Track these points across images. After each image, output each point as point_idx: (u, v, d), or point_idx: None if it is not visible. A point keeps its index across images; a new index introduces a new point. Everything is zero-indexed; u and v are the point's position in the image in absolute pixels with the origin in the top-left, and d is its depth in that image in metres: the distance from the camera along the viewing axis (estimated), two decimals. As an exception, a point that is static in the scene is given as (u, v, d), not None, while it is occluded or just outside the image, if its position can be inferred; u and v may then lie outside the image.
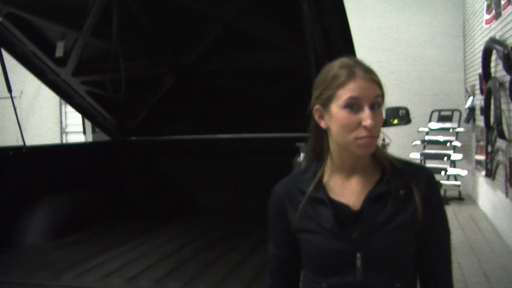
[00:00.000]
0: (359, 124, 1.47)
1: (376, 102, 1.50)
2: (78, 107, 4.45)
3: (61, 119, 11.39)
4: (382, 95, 1.53)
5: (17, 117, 3.67)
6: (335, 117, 1.51)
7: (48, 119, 11.30)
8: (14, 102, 12.24)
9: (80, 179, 4.09)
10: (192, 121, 4.46)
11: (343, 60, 1.56)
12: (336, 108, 1.51)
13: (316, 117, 1.59)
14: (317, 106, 1.57)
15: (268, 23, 3.19)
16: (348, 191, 1.57)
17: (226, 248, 3.26)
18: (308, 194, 1.58)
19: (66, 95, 4.26)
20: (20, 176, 3.57)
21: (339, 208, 1.55)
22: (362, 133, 1.47)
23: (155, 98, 4.17)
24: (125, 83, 3.96)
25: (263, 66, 3.60)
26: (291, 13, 2.73)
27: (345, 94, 1.49)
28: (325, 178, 1.61)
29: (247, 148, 4.35)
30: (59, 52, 3.66)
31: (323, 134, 1.60)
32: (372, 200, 1.53)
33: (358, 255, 1.49)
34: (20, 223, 3.48)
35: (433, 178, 1.61)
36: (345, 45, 2.95)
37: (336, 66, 1.55)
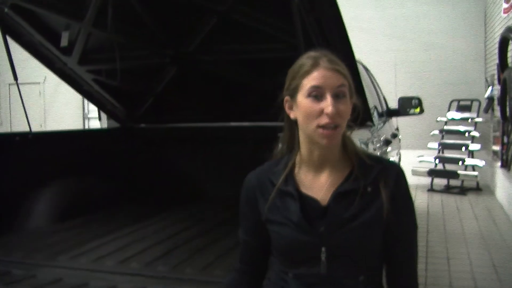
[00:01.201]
0: (321, 112, 1.51)
1: (340, 92, 1.53)
2: (87, 95, 4.58)
3: (83, 104, 11.63)
4: (348, 86, 1.56)
5: (22, 103, 3.77)
6: (300, 106, 1.56)
7: (71, 104, 11.47)
8: (39, 88, 12.49)
9: (86, 165, 4.21)
10: (197, 109, 4.54)
11: (311, 52, 1.61)
12: (301, 97, 1.55)
13: (286, 108, 1.63)
14: (286, 98, 1.62)
15: (262, 14, 3.23)
16: (317, 185, 1.61)
17: (220, 234, 3.34)
18: (277, 186, 1.62)
19: (75, 83, 4.38)
20: (26, 161, 3.69)
21: (307, 202, 1.59)
22: (324, 120, 1.51)
23: (159, 87, 4.26)
24: (130, 73, 4.09)
25: (261, 56, 3.64)
26: (284, 4, 2.76)
27: (308, 83, 1.54)
28: (296, 171, 1.65)
29: (252, 136, 4.40)
30: (63, 42, 3.77)
31: (293, 126, 1.64)
32: (339, 196, 1.56)
33: (323, 249, 1.53)
34: (25, 207, 3.61)
35: (402, 173, 1.64)
36: (339, 34, 2.97)
37: (303, 57, 1.60)
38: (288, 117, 1.64)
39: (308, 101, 1.53)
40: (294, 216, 1.56)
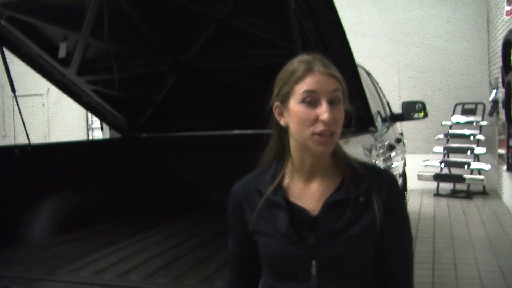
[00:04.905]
0: (316, 119, 1.45)
1: (335, 97, 1.47)
2: (87, 106, 4.56)
3: (87, 115, 11.64)
4: (342, 91, 1.50)
5: (21, 115, 3.75)
6: (292, 112, 1.48)
7: (75, 115, 11.52)
8: (42, 100, 12.56)
9: (88, 176, 4.17)
10: (198, 118, 4.51)
11: (303, 56, 1.53)
12: (294, 103, 1.48)
13: (276, 114, 1.55)
14: (276, 103, 1.54)
15: (260, 20, 3.20)
16: (308, 194, 1.54)
17: (222, 244, 3.27)
18: (265, 196, 1.54)
19: (74, 94, 4.36)
20: (26, 174, 3.67)
21: (297, 212, 1.51)
22: (319, 127, 1.44)
23: (160, 96, 4.23)
24: (130, 82, 4.07)
25: (261, 63, 3.60)
26: (282, 9, 2.73)
27: (302, 88, 1.46)
28: (286, 180, 1.57)
29: (254, 144, 4.37)
30: (61, 53, 3.75)
31: (283, 133, 1.57)
32: (330, 206, 1.49)
33: (314, 262, 1.46)
34: (25, 220, 3.58)
35: (394, 182, 1.58)
36: (339, 38, 2.94)
37: (295, 62, 1.53)
38: (278, 124, 1.56)
39: (302, 107, 1.46)
40: (282, 227, 1.49)
